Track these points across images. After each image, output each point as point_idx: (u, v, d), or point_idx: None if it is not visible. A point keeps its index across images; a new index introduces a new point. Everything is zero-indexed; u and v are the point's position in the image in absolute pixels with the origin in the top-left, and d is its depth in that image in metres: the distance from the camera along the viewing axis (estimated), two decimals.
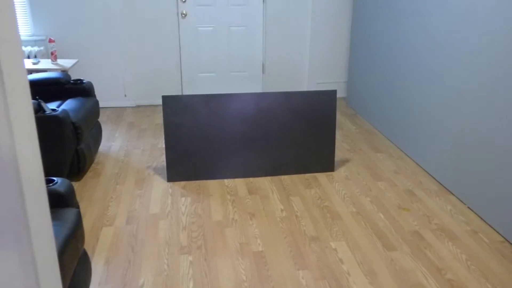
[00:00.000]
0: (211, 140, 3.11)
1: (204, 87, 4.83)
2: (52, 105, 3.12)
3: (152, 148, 3.69)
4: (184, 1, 4.47)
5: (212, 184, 3.11)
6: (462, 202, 2.87)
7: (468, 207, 2.82)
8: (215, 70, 4.80)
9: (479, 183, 2.70)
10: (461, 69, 2.84)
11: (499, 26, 2.47)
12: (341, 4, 4.72)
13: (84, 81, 3.38)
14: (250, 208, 2.81)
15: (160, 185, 3.08)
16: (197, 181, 3.14)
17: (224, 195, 2.96)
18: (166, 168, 3.11)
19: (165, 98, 3.01)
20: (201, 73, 4.78)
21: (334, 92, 3.18)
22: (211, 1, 4.52)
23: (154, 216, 2.72)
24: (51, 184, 1.95)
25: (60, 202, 1.92)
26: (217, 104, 3.08)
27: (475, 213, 2.75)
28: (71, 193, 1.96)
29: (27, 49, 4.24)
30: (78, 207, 2.01)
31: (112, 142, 3.80)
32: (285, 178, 3.20)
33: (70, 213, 1.88)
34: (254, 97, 3.11)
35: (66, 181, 2.00)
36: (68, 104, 3.15)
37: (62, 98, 3.32)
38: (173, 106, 3.03)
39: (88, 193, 2.98)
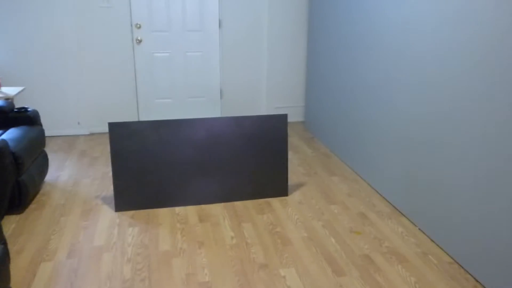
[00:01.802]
0: (161, 167, 3.03)
1: (161, 113, 4.76)
2: None
3: (102, 177, 3.56)
4: (139, 27, 4.44)
5: (162, 213, 3.01)
6: (414, 224, 2.88)
7: (419, 229, 2.82)
8: (172, 96, 4.75)
9: (429, 204, 2.72)
10: (411, 92, 2.89)
11: (450, 49, 2.54)
12: (297, 29, 4.80)
13: (28, 110, 3.26)
14: (199, 236, 2.73)
15: (107, 216, 2.96)
16: (147, 210, 3.04)
17: (173, 224, 2.87)
18: (114, 198, 3.00)
19: (111, 125, 2.93)
20: (158, 99, 4.72)
21: (285, 116, 3.18)
22: (166, 27, 4.51)
23: (98, 248, 2.60)
24: None
25: None
26: (167, 130, 3.02)
27: (426, 235, 2.75)
28: None
29: None
30: (4, 243, 1.89)
31: (61, 172, 3.66)
32: (238, 204, 3.14)
33: None
34: (204, 123, 3.07)
35: None
36: (10, 134, 3.01)
37: (5, 127, 3.18)
38: (120, 133, 2.94)
39: (30, 226, 2.82)
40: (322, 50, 4.28)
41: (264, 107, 4.99)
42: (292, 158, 3.99)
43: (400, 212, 3.03)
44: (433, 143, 2.64)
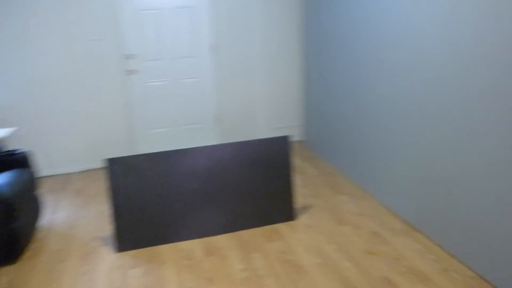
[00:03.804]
0: (162, 201, 2.89)
1: (158, 143, 4.63)
2: None
3: (100, 216, 3.41)
4: (131, 58, 4.35)
5: (166, 249, 2.85)
6: (430, 239, 2.74)
7: (437, 244, 2.68)
8: (169, 124, 4.63)
9: (446, 217, 2.58)
10: (421, 102, 2.80)
11: (457, 58, 2.46)
12: (291, 47, 4.74)
13: (16, 152, 3.12)
14: (207, 272, 2.57)
15: (107, 258, 2.80)
16: (150, 248, 2.88)
17: (178, 261, 2.70)
18: (114, 238, 2.84)
19: (107, 161, 2.80)
20: (155, 129, 4.60)
21: (286, 138, 3.06)
22: (159, 56, 4.43)
23: None
24: None
25: None
26: (165, 162, 2.88)
27: (444, 250, 2.61)
28: None
29: None
30: None
31: (56, 214, 3.49)
32: (245, 233, 2.99)
33: None
34: (204, 151, 2.94)
35: None
36: None
37: None
38: (117, 169, 2.81)
39: (24, 278, 2.65)
40: (319, 67, 4.20)
41: (262, 128, 4.88)
42: (296, 180, 3.85)
43: (414, 228, 2.89)
44: (447, 151, 2.52)
